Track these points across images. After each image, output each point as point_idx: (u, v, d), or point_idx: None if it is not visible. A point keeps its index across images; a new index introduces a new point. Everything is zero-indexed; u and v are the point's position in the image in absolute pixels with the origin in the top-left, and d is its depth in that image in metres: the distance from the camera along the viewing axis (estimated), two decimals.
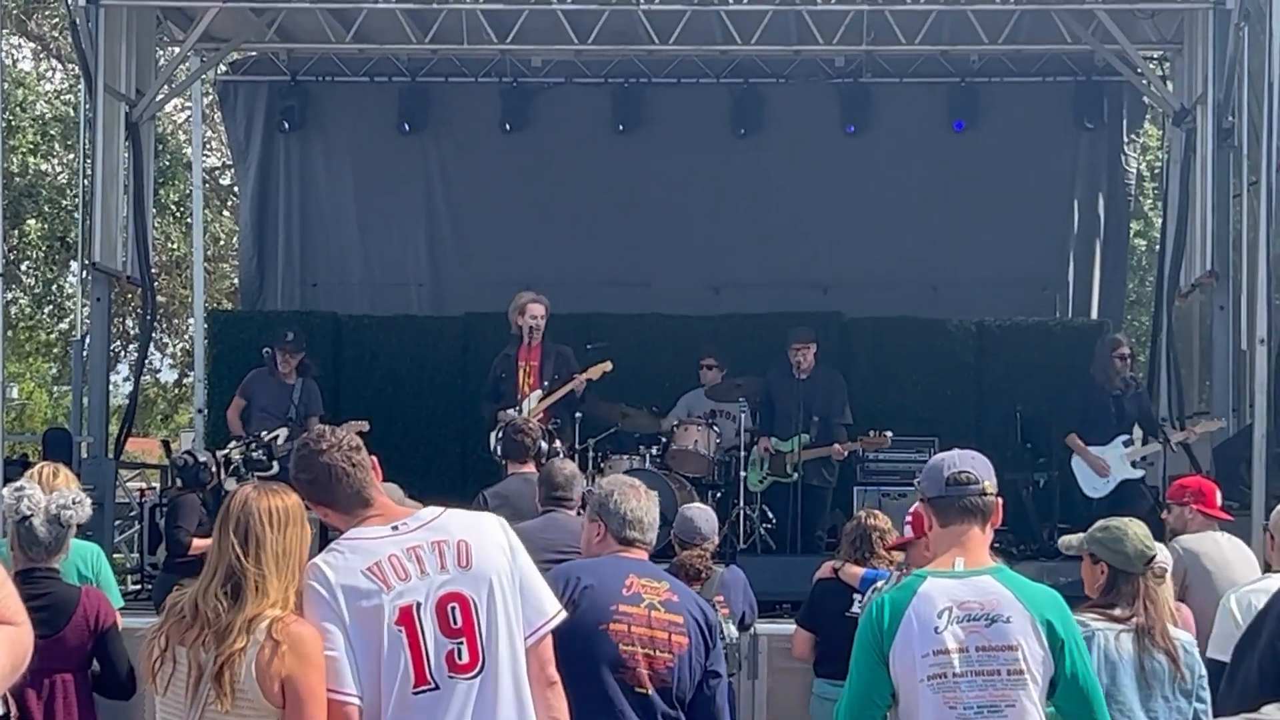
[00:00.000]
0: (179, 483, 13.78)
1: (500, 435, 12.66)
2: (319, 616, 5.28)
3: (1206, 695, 6.94)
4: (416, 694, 5.28)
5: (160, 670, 5.33)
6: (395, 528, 5.46)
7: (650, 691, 6.52)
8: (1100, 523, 7.25)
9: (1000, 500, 5.95)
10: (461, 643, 5.35)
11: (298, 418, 15.67)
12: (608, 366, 15.05)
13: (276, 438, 15.34)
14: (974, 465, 5.92)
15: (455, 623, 5.35)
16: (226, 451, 15.26)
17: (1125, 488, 15.32)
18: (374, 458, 5.72)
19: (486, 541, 5.52)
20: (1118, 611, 6.92)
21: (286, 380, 16.00)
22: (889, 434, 15.90)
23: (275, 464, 14.96)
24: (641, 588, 6.63)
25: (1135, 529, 7.11)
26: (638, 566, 6.77)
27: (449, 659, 5.33)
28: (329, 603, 5.28)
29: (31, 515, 7.85)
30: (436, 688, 5.30)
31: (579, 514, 8.68)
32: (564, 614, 5.74)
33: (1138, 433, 15.57)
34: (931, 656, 5.61)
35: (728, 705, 7.01)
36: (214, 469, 13.92)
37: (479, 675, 5.36)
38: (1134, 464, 15.48)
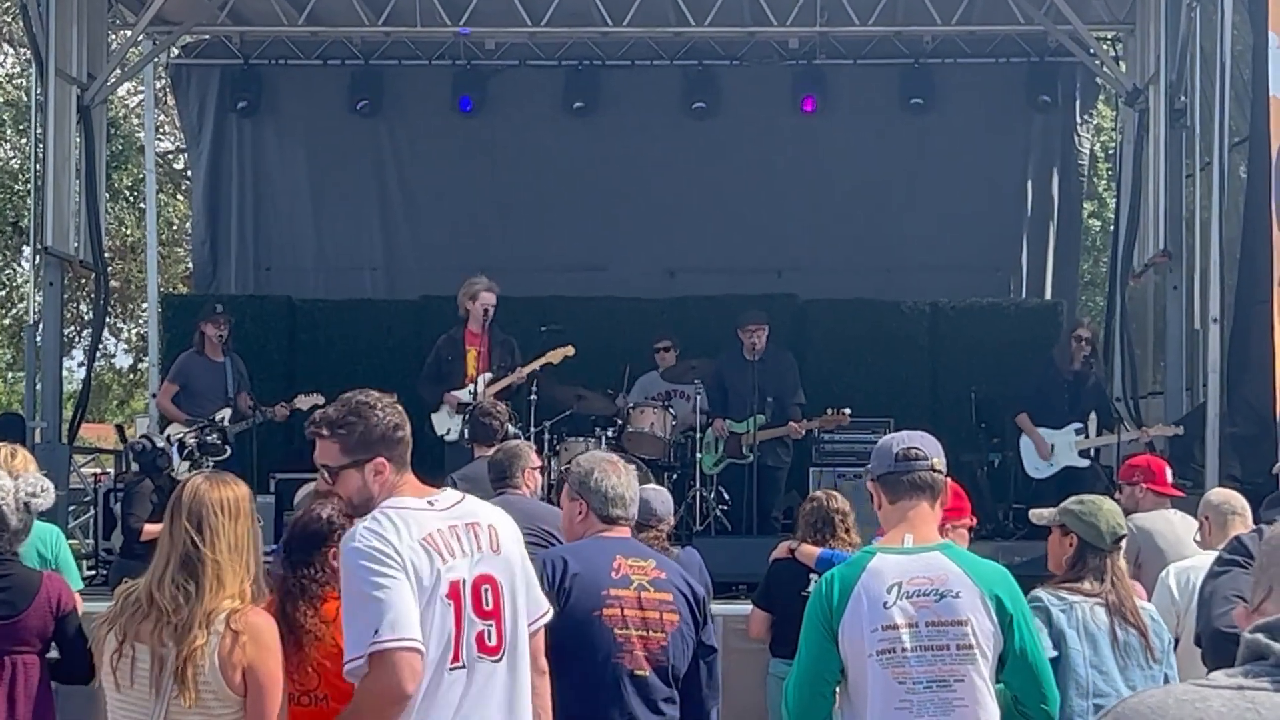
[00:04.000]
0: (135, 468, 13.72)
1: (468, 418, 12.66)
2: (382, 570, 5.05)
3: (1173, 660, 7.07)
4: (450, 671, 5.22)
5: (119, 665, 5.28)
6: (431, 502, 5.34)
7: (648, 673, 6.51)
8: (1075, 496, 7.34)
9: (949, 480, 6.00)
10: (491, 625, 5.32)
11: (234, 396, 15.65)
12: (569, 351, 15.03)
13: (224, 418, 15.28)
14: (922, 442, 5.96)
15: (487, 605, 5.31)
16: (180, 436, 15.20)
17: (1070, 473, 15.32)
18: None
19: (509, 529, 5.51)
20: (1087, 586, 6.99)
21: (216, 359, 15.89)
22: (847, 411, 15.90)
23: (229, 448, 14.90)
24: (630, 569, 6.60)
25: (1109, 506, 7.23)
26: (623, 546, 6.73)
27: (479, 640, 5.28)
28: (394, 559, 5.08)
29: (1, 502, 7.81)
30: (464, 666, 5.25)
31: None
32: (553, 611, 5.76)
33: (1093, 421, 15.59)
34: (881, 632, 5.63)
35: (719, 676, 6.99)
36: (170, 454, 13.87)
37: (501, 659, 5.35)
38: (1083, 453, 15.50)
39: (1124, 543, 7.28)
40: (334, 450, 5.32)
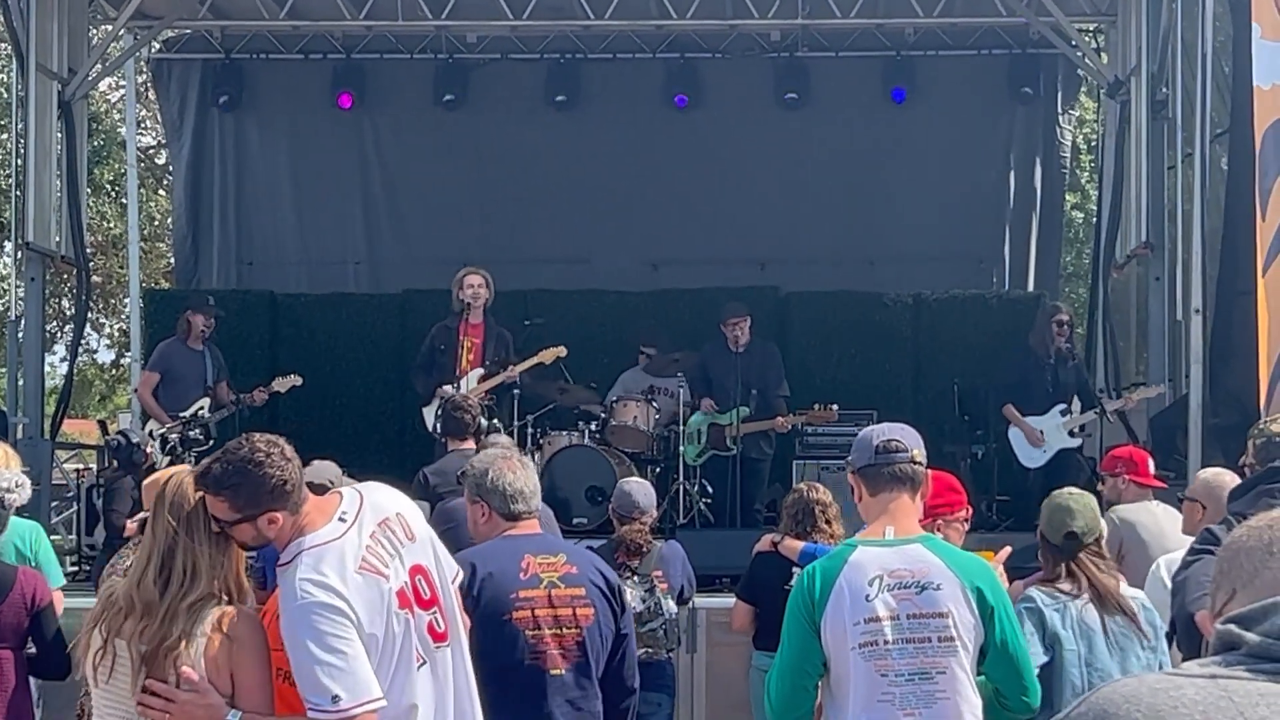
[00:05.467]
0: (114, 464, 13.70)
1: (440, 412, 12.63)
2: (336, 630, 5.00)
3: (1165, 648, 7.06)
4: (419, 670, 5.21)
5: (101, 663, 5.23)
6: (343, 518, 5.24)
7: (564, 671, 6.44)
8: (1062, 490, 7.34)
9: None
10: (435, 612, 5.31)
11: (212, 385, 15.63)
12: (561, 351, 15.00)
13: (203, 409, 15.26)
14: (903, 434, 5.96)
15: (425, 594, 5.29)
16: (163, 431, 15.17)
17: (1063, 457, 15.38)
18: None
19: (410, 508, 5.48)
20: (1067, 586, 6.99)
21: (195, 348, 15.86)
22: (835, 408, 15.86)
23: (212, 441, 14.88)
24: (538, 567, 6.51)
25: (1075, 503, 7.16)
26: (530, 544, 6.63)
27: (430, 630, 5.27)
28: (345, 612, 5.02)
29: None
30: (425, 663, 5.24)
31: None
32: (462, 572, 5.75)
33: (1076, 403, 15.64)
34: (863, 624, 5.63)
35: (636, 663, 6.93)
36: (147, 448, 13.85)
37: (449, 643, 5.35)
38: (1071, 433, 15.54)
39: (1102, 538, 7.26)
40: (223, 507, 5.19)
